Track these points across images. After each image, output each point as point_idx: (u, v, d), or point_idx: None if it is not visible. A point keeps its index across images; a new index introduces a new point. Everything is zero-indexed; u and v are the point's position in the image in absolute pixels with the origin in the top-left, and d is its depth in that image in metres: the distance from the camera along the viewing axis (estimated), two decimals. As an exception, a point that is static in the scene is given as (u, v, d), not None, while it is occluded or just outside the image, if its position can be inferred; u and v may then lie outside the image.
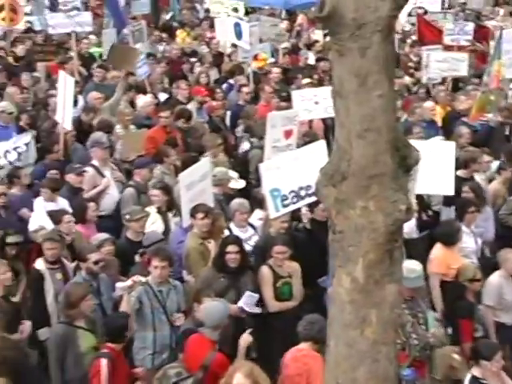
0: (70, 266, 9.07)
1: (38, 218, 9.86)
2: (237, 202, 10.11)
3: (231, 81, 16.32)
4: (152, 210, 10.09)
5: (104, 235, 9.31)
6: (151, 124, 13.11)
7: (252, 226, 10.08)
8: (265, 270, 8.93)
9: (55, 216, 9.63)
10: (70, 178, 10.55)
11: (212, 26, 22.87)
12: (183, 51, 18.94)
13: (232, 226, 9.95)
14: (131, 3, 22.48)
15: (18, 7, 18.61)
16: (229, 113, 14.35)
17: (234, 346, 7.58)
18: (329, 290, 4.65)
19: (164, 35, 21.40)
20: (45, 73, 16.27)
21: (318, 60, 18.01)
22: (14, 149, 11.46)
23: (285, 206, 9.33)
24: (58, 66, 16.22)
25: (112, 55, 15.06)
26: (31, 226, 9.75)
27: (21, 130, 12.57)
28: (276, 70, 16.46)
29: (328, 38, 19.60)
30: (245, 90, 14.89)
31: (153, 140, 12.28)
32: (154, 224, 9.93)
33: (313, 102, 12.76)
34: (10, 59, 17.22)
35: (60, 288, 8.79)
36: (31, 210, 10.18)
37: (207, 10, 25.30)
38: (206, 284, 8.46)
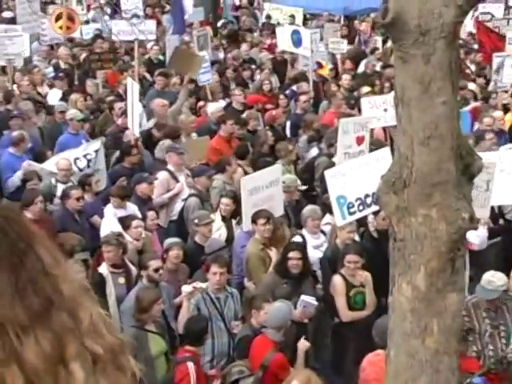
0: (135, 270, 9.13)
1: (109, 224, 9.99)
2: (309, 208, 10.03)
3: (294, 88, 16.26)
4: (216, 217, 10.09)
5: (173, 239, 9.37)
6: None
7: (323, 232, 10.00)
8: (337, 280, 8.84)
9: (124, 222, 9.72)
10: (141, 187, 10.56)
11: (274, 33, 22.94)
12: (242, 58, 18.99)
13: (304, 232, 9.86)
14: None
15: (75, 16, 18.86)
16: (288, 123, 14.26)
17: (296, 353, 7.62)
18: (389, 299, 4.58)
19: (225, 42, 21.48)
20: (102, 80, 16.42)
21: (383, 67, 17.88)
22: (84, 156, 11.61)
23: (351, 213, 9.23)
24: (115, 74, 16.42)
25: (175, 59, 15.18)
26: (102, 232, 9.85)
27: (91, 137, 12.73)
28: (346, 77, 16.38)
29: (387, 44, 19.54)
30: (303, 98, 14.80)
31: (216, 151, 12.24)
32: (218, 231, 9.93)
33: (382, 110, 12.65)
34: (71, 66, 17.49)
35: (122, 292, 8.83)
36: (102, 216, 10.29)
37: (268, 17, 25.35)
38: (268, 290, 8.45)
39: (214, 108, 13.78)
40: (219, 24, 25.32)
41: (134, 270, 9.13)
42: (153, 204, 10.59)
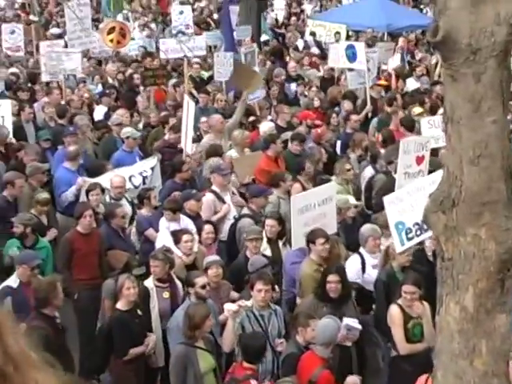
0: (181, 286, 9.16)
1: (162, 237, 10.07)
2: (369, 227, 9.89)
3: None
4: (264, 240, 10.00)
5: (213, 257, 9.40)
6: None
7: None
8: (395, 310, 8.65)
9: (176, 235, 9.80)
10: (189, 204, 10.60)
11: (322, 50, 22.93)
12: (288, 75, 18.96)
13: (362, 251, 9.75)
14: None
15: (127, 32, 19.07)
16: (339, 142, 14.15)
17: (338, 375, 7.58)
18: (436, 318, 4.53)
19: (270, 58, 21.53)
20: (148, 96, 16.53)
21: (433, 84, 17.76)
22: (140, 173, 11.73)
23: (409, 239, 9.13)
24: (161, 91, 16.54)
25: (235, 76, 15.26)
26: (157, 245, 9.92)
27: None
28: (398, 96, 16.28)
29: (433, 62, 19.45)
30: (354, 118, 14.70)
31: (264, 172, 12.17)
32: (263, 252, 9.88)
33: (440, 130, 12.55)
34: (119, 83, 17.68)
35: (166, 307, 8.92)
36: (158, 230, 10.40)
37: (312, 33, 25.36)
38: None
39: (267, 127, 13.70)
40: (262, 40, 25.44)
41: (179, 285, 9.18)
42: (201, 221, 10.59)
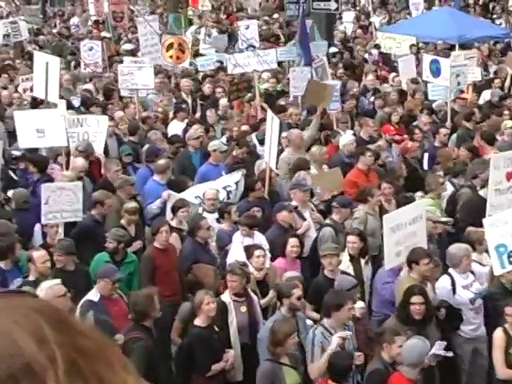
0: (258, 300, 9.17)
1: (235, 252, 10.07)
2: (462, 247, 9.61)
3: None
4: (345, 257, 9.94)
5: (293, 273, 9.37)
6: (351, 163, 12.98)
7: (471, 271, 9.63)
8: (498, 334, 8.49)
9: (249, 250, 9.80)
10: (282, 215, 10.59)
11: (387, 64, 22.69)
12: (365, 87, 18.78)
13: (452, 271, 9.49)
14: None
15: (186, 47, 19.13)
16: (426, 155, 13.90)
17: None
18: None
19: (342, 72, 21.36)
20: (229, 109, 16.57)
21: (505, 98, 17.46)
22: (224, 187, 11.79)
23: (511, 262, 8.96)
24: (240, 105, 16.55)
25: (309, 92, 15.22)
26: (228, 260, 9.95)
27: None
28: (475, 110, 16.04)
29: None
30: (443, 131, 14.45)
31: (354, 184, 12.10)
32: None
33: None
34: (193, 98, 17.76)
35: (244, 321, 8.91)
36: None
37: (377, 46, 25.14)
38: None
39: (346, 140, 13.60)
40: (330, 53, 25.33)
41: (255, 298, 9.16)
42: (294, 231, 10.57)
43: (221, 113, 16.12)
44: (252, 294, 9.16)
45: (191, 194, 11.47)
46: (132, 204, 10.85)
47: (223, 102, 16.66)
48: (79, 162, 12.05)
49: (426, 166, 13.66)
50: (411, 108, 16.74)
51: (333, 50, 25.39)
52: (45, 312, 1.35)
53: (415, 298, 8.47)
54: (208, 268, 9.75)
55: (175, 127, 15.47)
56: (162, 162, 12.11)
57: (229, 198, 11.75)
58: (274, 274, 9.77)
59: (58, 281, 8.19)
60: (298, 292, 8.49)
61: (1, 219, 10.06)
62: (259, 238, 10.30)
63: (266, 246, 10.14)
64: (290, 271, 9.57)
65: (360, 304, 8.81)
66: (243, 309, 8.99)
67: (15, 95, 17.00)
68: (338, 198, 11.35)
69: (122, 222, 10.64)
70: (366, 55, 24.73)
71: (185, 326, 8.78)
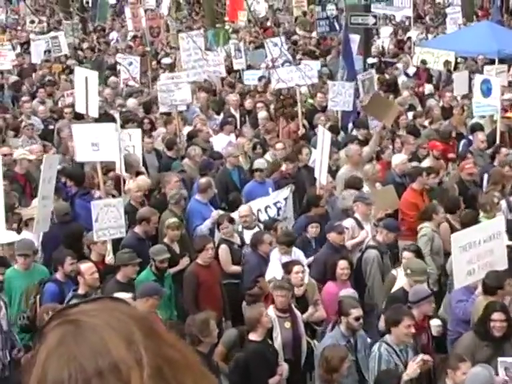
0: (300, 316, 9.14)
1: (272, 269, 10.03)
2: None
3: (470, 137, 15.72)
4: (400, 272, 9.79)
5: (348, 291, 9.36)
6: (403, 182, 12.86)
7: None
8: None
9: (287, 266, 9.77)
10: (332, 236, 10.55)
11: (429, 80, 22.53)
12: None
13: None
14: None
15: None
16: (486, 175, 13.54)
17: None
18: None
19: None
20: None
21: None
22: (274, 204, 11.78)
23: None
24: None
25: (372, 105, 15.21)
26: (267, 277, 9.92)
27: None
28: None
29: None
30: (504, 151, 14.09)
31: (412, 205, 12.01)
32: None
33: None
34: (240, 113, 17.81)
35: (288, 336, 8.88)
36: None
37: (423, 62, 25.01)
38: (467, 352, 8.11)
39: (398, 160, 13.40)
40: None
41: (299, 314, 9.15)
42: (346, 253, 10.52)
43: (260, 126, 16.10)
44: (295, 310, 9.14)
45: (241, 211, 11.46)
46: (173, 219, 10.84)
47: (262, 115, 16.70)
48: (144, 180, 12.11)
49: (485, 186, 13.28)
50: (457, 124, 16.53)
51: (371, 60, 25.33)
52: (137, 318, 1.42)
53: (496, 315, 8.32)
54: (266, 284, 9.76)
55: (221, 141, 15.44)
56: (203, 180, 12.09)
57: (279, 214, 11.73)
58: (313, 290, 9.74)
59: None
60: (356, 312, 8.41)
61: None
62: (297, 254, 10.32)
63: (305, 261, 10.16)
64: (346, 289, 9.51)
65: (436, 322, 8.65)
66: (287, 324, 8.98)
67: (67, 110, 17.16)
68: (386, 220, 11.23)
69: (166, 240, 10.64)
70: (410, 70, 24.61)
71: (228, 351, 8.71)
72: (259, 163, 12.95)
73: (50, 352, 1.38)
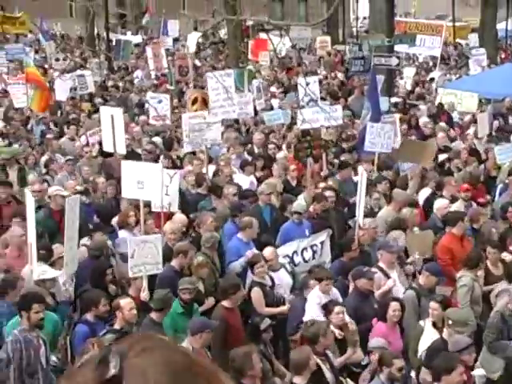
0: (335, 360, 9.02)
1: (311, 310, 9.95)
2: None
3: (507, 181, 15.44)
4: (427, 324, 9.70)
5: (379, 340, 9.25)
6: (444, 227, 12.60)
7: None
8: None
9: (327, 307, 9.70)
10: (361, 282, 10.46)
11: (450, 124, 22.41)
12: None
13: None
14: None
15: (208, 100, 19.12)
16: None
17: None
18: None
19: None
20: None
21: None
22: (311, 247, 11.71)
23: None
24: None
25: (403, 151, 15.19)
26: (305, 319, 9.84)
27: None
28: None
29: None
30: None
31: (448, 250, 11.88)
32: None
33: None
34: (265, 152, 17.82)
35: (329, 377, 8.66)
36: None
37: (440, 106, 24.96)
38: None
39: (440, 204, 13.28)
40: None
41: (332, 356, 9.06)
42: (374, 299, 10.45)
43: (280, 166, 16.06)
44: (329, 353, 9.02)
45: (280, 253, 11.38)
46: (202, 257, 10.83)
47: (280, 155, 16.61)
48: (177, 221, 12.12)
49: None
50: (490, 168, 16.32)
51: (394, 99, 25.33)
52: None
53: None
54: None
55: (242, 181, 15.38)
56: (246, 218, 12.04)
57: (314, 258, 11.65)
58: (354, 333, 9.59)
59: None
60: (399, 363, 8.31)
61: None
62: (335, 292, 10.26)
63: (340, 300, 10.08)
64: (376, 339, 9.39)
65: (480, 372, 8.54)
66: (327, 366, 8.82)
67: (86, 149, 17.34)
68: (430, 264, 11.11)
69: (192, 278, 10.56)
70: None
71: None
72: (298, 206, 12.86)
73: None
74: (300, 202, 13.14)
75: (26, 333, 8.63)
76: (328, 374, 8.67)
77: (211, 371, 1.53)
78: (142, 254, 10.12)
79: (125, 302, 9.15)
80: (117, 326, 9.01)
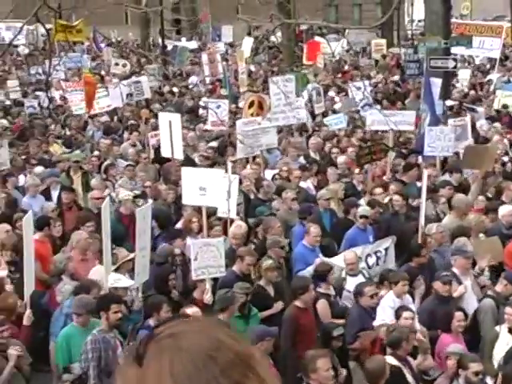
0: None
1: (383, 314, 9.87)
2: None
3: None
4: (503, 329, 9.55)
5: (458, 346, 9.12)
6: (510, 234, 12.50)
7: None
8: None
9: (397, 312, 9.63)
10: (437, 285, 10.33)
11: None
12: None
13: None
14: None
15: (264, 104, 19.11)
16: None
17: None
18: None
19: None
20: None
21: None
22: (375, 253, 11.65)
23: None
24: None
25: (467, 158, 15.07)
26: (375, 324, 9.78)
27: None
28: None
29: None
30: None
31: None
32: (506, 346, 9.36)
33: None
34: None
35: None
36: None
37: (504, 106, 24.60)
38: None
39: (505, 210, 13.01)
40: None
41: (411, 360, 9.02)
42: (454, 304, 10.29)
43: (340, 171, 15.98)
44: (408, 357, 8.97)
45: (341, 259, 11.29)
46: (270, 261, 10.81)
47: (341, 159, 16.58)
48: (237, 227, 12.17)
49: None
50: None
51: (450, 102, 25.01)
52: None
53: None
54: (370, 334, 9.57)
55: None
56: (310, 225, 11.98)
57: (378, 264, 11.56)
58: (423, 338, 9.49)
59: None
60: (476, 367, 8.19)
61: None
62: (407, 298, 10.18)
63: (413, 307, 9.98)
64: (454, 344, 9.26)
65: None
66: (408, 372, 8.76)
67: (143, 155, 17.50)
68: (508, 273, 10.90)
69: (261, 282, 10.58)
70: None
71: None
72: (364, 210, 12.83)
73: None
74: (365, 207, 13.08)
75: (104, 333, 8.73)
76: (410, 379, 8.61)
77: (244, 359, 1.53)
78: (204, 256, 10.19)
79: (192, 311, 9.14)
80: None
